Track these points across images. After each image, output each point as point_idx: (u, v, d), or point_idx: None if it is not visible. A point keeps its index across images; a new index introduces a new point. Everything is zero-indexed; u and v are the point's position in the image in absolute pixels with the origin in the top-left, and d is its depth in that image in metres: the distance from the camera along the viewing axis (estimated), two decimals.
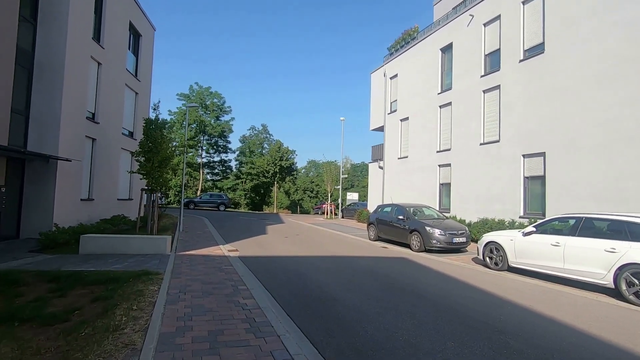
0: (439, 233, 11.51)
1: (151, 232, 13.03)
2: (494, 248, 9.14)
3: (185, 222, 18.68)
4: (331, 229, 19.52)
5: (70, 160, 11.56)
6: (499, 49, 15.18)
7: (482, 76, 15.97)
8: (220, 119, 44.61)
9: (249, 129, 55.95)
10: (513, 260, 8.60)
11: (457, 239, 11.58)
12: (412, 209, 13.36)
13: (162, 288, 5.99)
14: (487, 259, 9.32)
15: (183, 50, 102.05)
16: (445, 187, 18.03)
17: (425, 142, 19.48)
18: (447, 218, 13.54)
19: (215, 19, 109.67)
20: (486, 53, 15.97)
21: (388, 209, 14.43)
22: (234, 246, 11.84)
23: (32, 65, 11.43)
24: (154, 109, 13.66)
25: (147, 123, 13.04)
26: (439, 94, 18.68)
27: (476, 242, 13.23)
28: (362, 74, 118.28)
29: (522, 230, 8.67)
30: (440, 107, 18.55)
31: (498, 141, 14.92)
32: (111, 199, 15.44)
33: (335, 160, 31.47)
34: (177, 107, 43.11)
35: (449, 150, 17.73)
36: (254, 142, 51.60)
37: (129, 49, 17.20)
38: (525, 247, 8.26)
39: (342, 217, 30.09)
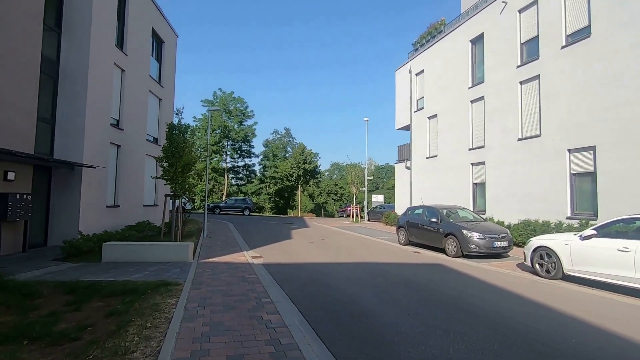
0: (478, 237, 10.56)
1: (175, 238, 12.83)
2: (545, 254, 8.15)
3: (210, 227, 18.51)
4: (358, 232, 18.78)
5: (95, 167, 11.52)
6: (537, 36, 14.02)
7: (518, 66, 14.82)
8: (244, 123, 44.87)
9: (272, 133, 55.98)
10: (569, 268, 7.59)
11: (498, 242, 10.58)
12: (445, 211, 12.45)
13: (180, 301, 5.53)
14: (537, 265, 8.33)
15: (204, 56, 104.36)
16: (480, 187, 16.90)
17: (455, 140, 18.42)
18: (484, 220, 12.52)
19: (233, 15, 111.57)
20: (522, 41, 14.82)
21: (419, 211, 13.56)
22: (258, 252, 11.39)
23: (57, 73, 11.49)
24: (177, 114, 13.50)
25: (170, 128, 12.87)
26: (469, 88, 17.60)
27: (519, 246, 12.21)
28: (386, 72, 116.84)
29: (580, 233, 7.64)
30: (472, 102, 17.46)
31: (539, 136, 13.74)
32: (137, 205, 15.44)
33: (359, 162, 30.67)
34: (201, 114, 43.82)
35: (482, 147, 16.61)
36: (277, 146, 51.59)
37: (152, 55, 17.28)
38: (585, 253, 7.24)
39: (368, 220, 29.26)
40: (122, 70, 14.09)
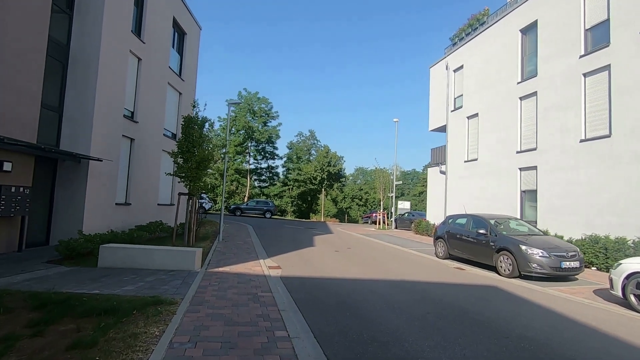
0: (541, 254, 8.68)
1: (188, 241, 11.69)
2: None
3: (229, 229, 17.36)
4: (387, 241, 17.07)
5: (101, 160, 10.53)
6: (608, 20, 11.96)
7: (581, 56, 12.77)
8: (268, 124, 44.03)
9: (296, 135, 55.04)
10: None
11: (567, 263, 8.65)
12: (493, 221, 10.60)
13: (167, 333, 4.15)
14: (633, 297, 6.43)
15: (229, 56, 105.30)
16: (529, 195, 14.82)
17: (500, 142, 16.41)
18: (543, 233, 10.56)
19: (259, 13, 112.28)
20: (587, 27, 12.77)
21: (462, 221, 11.75)
22: (277, 261, 9.98)
23: (67, 58, 10.64)
24: (194, 106, 12.42)
25: (187, 121, 11.81)
26: (518, 83, 15.60)
27: (591, 267, 10.19)
28: (415, 72, 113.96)
29: None
30: (521, 98, 15.44)
31: (608, 136, 11.64)
32: (150, 204, 14.46)
33: (384, 167, 28.85)
34: (225, 114, 43.33)
35: (533, 149, 14.56)
36: (301, 149, 50.44)
37: (173, 46, 16.42)
38: None
39: (396, 228, 27.42)
40: (139, 59, 13.18)
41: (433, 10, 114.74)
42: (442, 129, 21.74)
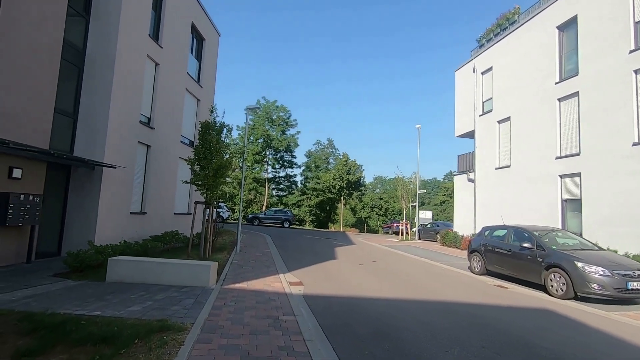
0: (602, 273, 7.54)
1: (204, 252, 11.06)
2: None
3: (246, 240, 16.72)
4: (413, 254, 15.99)
5: (115, 167, 10.08)
6: None
7: (631, 51, 11.60)
8: (286, 132, 43.65)
9: (315, 144, 54.60)
10: None
11: (634, 283, 7.46)
12: (537, 233, 9.48)
13: None
14: None
15: (247, 65, 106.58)
16: (572, 204, 13.53)
17: (536, 147, 15.20)
18: (598, 248, 9.34)
19: (280, 22, 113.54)
20: (638, 20, 11.60)
21: (501, 233, 10.66)
22: (298, 276, 9.17)
23: (83, 62, 10.33)
24: (212, 112, 11.97)
25: (204, 127, 11.30)
26: (557, 83, 14.44)
27: None
28: (438, 80, 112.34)
29: None
30: (560, 100, 14.27)
31: None
32: (167, 213, 13.98)
33: (404, 176, 27.73)
34: (244, 123, 43.30)
35: (576, 154, 13.32)
36: (319, 157, 49.80)
37: (191, 52, 16.13)
38: None
39: (419, 239, 26.16)
40: (156, 64, 12.84)
41: (451, 19, 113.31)
42: (470, 135, 20.60)
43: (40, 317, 4.68)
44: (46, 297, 5.83)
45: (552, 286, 8.25)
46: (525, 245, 9.19)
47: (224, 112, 12.10)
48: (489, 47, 19.06)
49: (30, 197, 8.26)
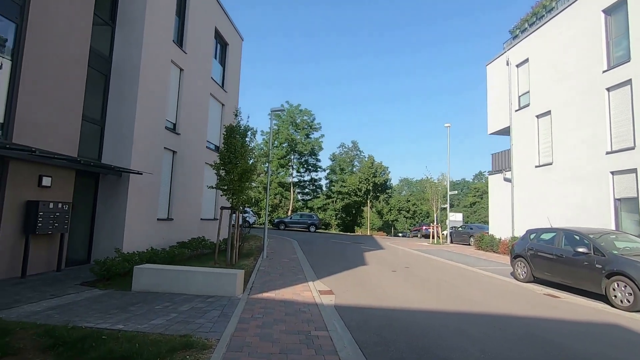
0: None
1: (231, 259, 10.81)
2: None
3: (273, 245, 16.43)
4: (447, 258, 15.10)
5: (141, 174, 10.01)
6: None
7: None
8: (310, 136, 43.44)
9: (339, 147, 54.00)
10: None
11: None
12: (592, 236, 8.50)
13: None
14: None
15: (270, 69, 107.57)
16: (628, 204, 12.28)
17: (582, 141, 14.00)
18: None
19: (302, 19, 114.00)
20: None
21: (548, 236, 9.73)
22: (328, 284, 8.68)
23: (110, 70, 10.38)
24: (236, 115, 11.84)
25: (228, 130, 11.12)
26: (604, 72, 13.24)
27: None
28: (461, 73, 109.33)
29: None
30: (609, 89, 13.06)
31: None
32: (193, 219, 13.90)
33: (430, 178, 26.60)
34: (268, 127, 43.53)
35: (630, 148, 12.10)
36: (344, 160, 49.28)
37: (215, 57, 16.11)
38: None
39: (451, 242, 25.02)
40: (181, 70, 12.82)
41: (479, 16, 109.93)
42: (505, 132, 19.44)
43: (60, 332, 4.43)
44: (70, 308, 5.64)
45: (615, 297, 7.31)
46: (580, 250, 8.25)
47: (249, 117, 11.78)
48: (524, 38, 17.93)
49: (60, 205, 8.26)
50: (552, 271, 9.08)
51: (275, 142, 41.83)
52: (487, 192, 69.89)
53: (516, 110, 18.19)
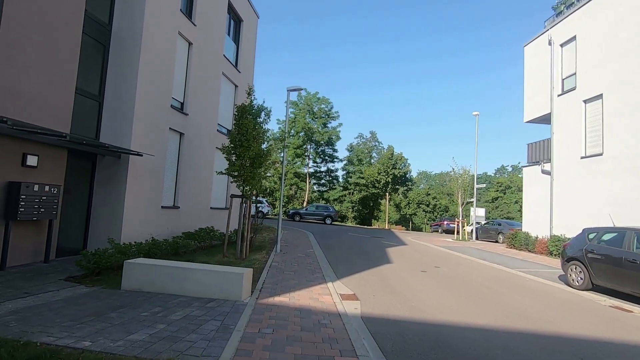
0: None
1: (241, 252, 9.75)
2: None
3: (287, 237, 15.33)
4: (479, 257, 13.64)
5: (141, 155, 8.95)
6: None
7: None
8: (328, 125, 41.93)
9: (357, 137, 52.31)
10: None
11: None
12: None
13: None
14: None
15: (287, 55, 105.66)
16: None
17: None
18: None
19: (318, 9, 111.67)
20: None
21: (611, 237, 8.19)
22: (350, 286, 7.46)
23: (109, 39, 9.30)
24: (249, 93, 10.68)
25: (240, 110, 9.97)
26: None
27: None
28: (488, 63, 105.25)
29: None
30: None
31: None
32: (202, 207, 12.88)
33: (456, 169, 24.81)
34: (284, 116, 42.34)
35: None
36: (361, 151, 47.64)
37: (228, 34, 14.91)
38: None
39: (477, 239, 23.39)
40: (189, 43, 11.67)
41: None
42: (544, 120, 17.60)
43: (7, 349, 3.36)
44: (38, 312, 4.60)
45: None
46: None
47: (264, 101, 10.61)
48: (570, 14, 15.95)
49: (47, 188, 7.28)
50: (620, 279, 7.57)
51: (292, 131, 40.60)
52: (510, 187, 67.01)
53: (559, 95, 16.31)
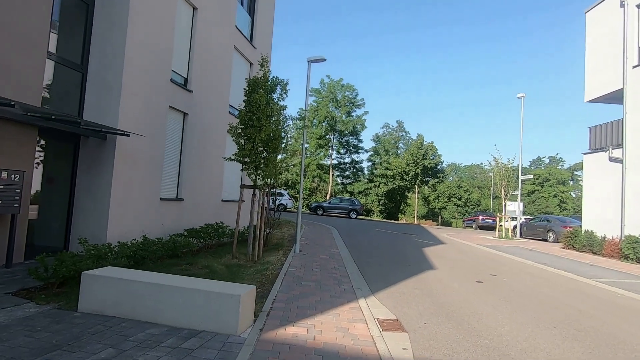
0: None
1: (253, 254, 8.10)
2: None
3: (308, 233, 13.61)
4: (540, 262, 11.33)
5: (129, 135, 7.33)
6: None
7: None
8: (352, 114, 39.70)
9: (382, 127, 49.73)
10: None
11: None
12: None
13: None
14: None
15: (315, 46, 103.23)
16: None
17: None
18: None
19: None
20: None
21: None
22: (389, 305, 5.59)
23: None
24: (261, 65, 8.94)
25: (251, 84, 8.25)
26: None
27: None
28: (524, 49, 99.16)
29: None
30: None
31: None
32: (212, 200, 11.30)
33: (481, 163, 22.23)
34: (308, 105, 40.49)
35: None
36: (388, 141, 45.25)
37: (241, 3, 13.14)
38: None
39: (521, 236, 20.82)
40: (194, 8, 9.99)
41: None
42: (613, 98, 14.84)
43: None
44: None
45: None
46: None
47: (287, 82, 8.79)
48: None
49: (4, 175, 5.79)
50: None
51: (315, 121, 38.71)
52: (549, 180, 62.34)
53: (634, 67, 13.53)
